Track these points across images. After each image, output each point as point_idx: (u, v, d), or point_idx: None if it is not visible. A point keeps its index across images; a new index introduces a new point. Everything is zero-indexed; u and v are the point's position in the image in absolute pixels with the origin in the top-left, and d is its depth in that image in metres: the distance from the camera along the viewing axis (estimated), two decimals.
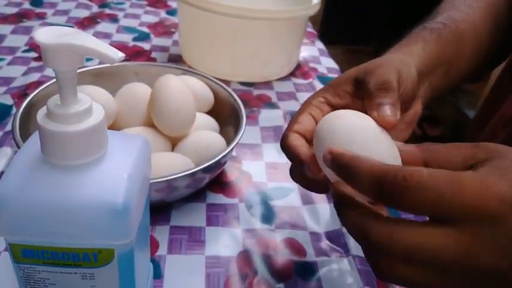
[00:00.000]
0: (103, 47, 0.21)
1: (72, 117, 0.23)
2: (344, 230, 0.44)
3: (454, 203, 0.23)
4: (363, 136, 0.29)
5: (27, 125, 0.45)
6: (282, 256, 0.41)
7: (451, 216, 0.24)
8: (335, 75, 0.74)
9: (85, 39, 0.21)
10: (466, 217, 0.23)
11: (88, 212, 0.24)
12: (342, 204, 0.28)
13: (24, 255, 0.26)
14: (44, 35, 0.21)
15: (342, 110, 0.32)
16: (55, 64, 0.22)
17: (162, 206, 0.44)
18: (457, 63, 0.45)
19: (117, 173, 0.25)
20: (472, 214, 0.23)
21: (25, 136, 0.43)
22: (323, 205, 0.47)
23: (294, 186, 0.50)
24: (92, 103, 0.24)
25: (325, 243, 0.43)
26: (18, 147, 0.41)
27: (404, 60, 0.37)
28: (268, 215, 0.46)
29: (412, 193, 0.24)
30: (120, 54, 0.21)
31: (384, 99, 0.32)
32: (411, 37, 0.43)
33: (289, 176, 0.50)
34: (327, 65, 0.78)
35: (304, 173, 0.33)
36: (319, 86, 0.70)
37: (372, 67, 0.35)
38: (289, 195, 0.48)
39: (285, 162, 0.52)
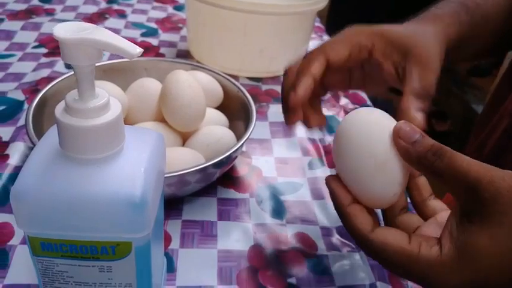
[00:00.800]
0: (121, 42, 0.21)
1: (90, 111, 0.23)
2: None
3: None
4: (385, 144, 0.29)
5: (40, 120, 0.46)
6: (294, 251, 0.41)
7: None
8: None
9: (103, 34, 0.21)
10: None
11: (106, 205, 0.24)
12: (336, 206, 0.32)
13: (43, 248, 0.26)
14: (62, 30, 0.22)
15: (367, 111, 0.31)
16: (73, 59, 0.22)
17: (174, 201, 0.45)
18: (476, 45, 0.46)
19: (134, 166, 0.25)
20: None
21: (38, 131, 0.43)
22: None
23: (303, 181, 0.50)
24: (110, 98, 0.24)
25: (336, 238, 0.43)
26: (32, 142, 0.42)
27: (441, 39, 0.38)
28: (278, 210, 0.46)
29: (376, 252, 0.29)
30: (139, 49, 0.22)
31: (417, 113, 0.34)
32: (449, 13, 0.42)
33: (298, 171, 0.51)
34: None
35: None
36: None
37: (414, 45, 0.36)
38: (299, 190, 0.49)
39: (294, 157, 0.53)
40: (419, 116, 0.34)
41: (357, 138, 0.29)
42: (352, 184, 0.30)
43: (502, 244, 0.25)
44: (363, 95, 0.68)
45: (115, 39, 0.21)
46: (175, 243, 0.41)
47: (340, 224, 0.44)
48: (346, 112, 0.62)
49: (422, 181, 0.34)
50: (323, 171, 0.51)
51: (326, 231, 0.44)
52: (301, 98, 0.36)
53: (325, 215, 0.46)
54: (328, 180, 0.32)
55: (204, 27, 0.67)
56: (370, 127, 0.29)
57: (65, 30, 0.21)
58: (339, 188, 0.31)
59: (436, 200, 0.33)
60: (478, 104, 2.08)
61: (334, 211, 0.45)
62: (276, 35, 0.66)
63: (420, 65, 0.35)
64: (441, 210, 0.33)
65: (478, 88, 2.14)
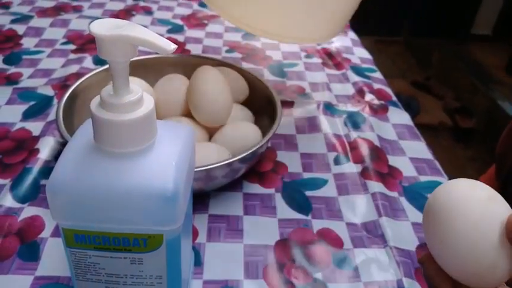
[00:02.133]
0: (156, 38, 0.22)
1: (125, 106, 0.23)
2: (381, 220, 0.44)
3: None
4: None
5: (70, 114, 0.47)
6: (319, 246, 0.41)
7: None
8: (369, 66, 0.74)
9: (139, 30, 0.22)
10: None
11: (139, 197, 0.24)
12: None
13: (77, 240, 0.27)
14: (98, 26, 0.22)
15: (469, 189, 0.28)
16: (110, 55, 0.22)
17: (201, 195, 0.45)
18: None
19: (166, 160, 0.25)
20: None
21: (68, 126, 0.44)
22: (359, 196, 0.47)
23: (329, 176, 0.50)
24: (143, 93, 0.25)
25: (362, 234, 0.43)
26: (62, 137, 0.43)
27: None
28: (304, 205, 0.46)
29: None
30: (173, 46, 0.22)
31: None
32: None
33: (323, 166, 0.51)
34: (360, 55, 0.77)
35: None
36: (352, 76, 0.69)
37: None
38: (324, 185, 0.48)
39: (320, 153, 0.53)
40: None
41: (461, 225, 0.26)
42: (452, 269, 0.28)
43: None
44: (388, 90, 0.67)
45: (150, 35, 0.22)
46: (202, 237, 0.41)
47: (366, 220, 0.44)
48: (372, 107, 0.62)
49: None
50: (349, 167, 0.51)
51: (352, 227, 0.44)
52: None
53: (351, 211, 0.45)
54: (424, 262, 0.29)
55: None
56: (477, 214, 0.26)
57: (101, 27, 0.22)
58: (438, 273, 0.28)
59: None
60: (504, 101, 2.04)
61: (360, 207, 0.46)
62: None
63: None
64: None
65: (504, 84, 2.09)
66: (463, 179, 0.28)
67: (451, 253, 0.27)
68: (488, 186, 0.28)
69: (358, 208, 0.46)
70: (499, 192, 0.27)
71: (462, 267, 0.27)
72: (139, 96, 0.24)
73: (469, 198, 0.27)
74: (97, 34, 0.22)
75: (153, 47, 0.22)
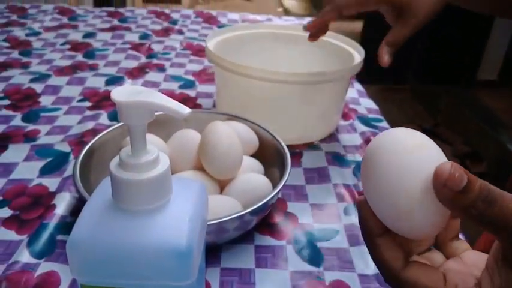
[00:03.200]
0: (172, 103, 0.23)
1: (142, 166, 0.25)
2: None
3: None
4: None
5: (86, 171, 0.48)
6: None
7: None
8: (375, 116, 0.75)
9: (156, 96, 0.24)
10: None
11: (154, 254, 0.25)
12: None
13: None
14: (119, 93, 0.24)
15: (404, 136, 0.28)
16: (129, 119, 0.24)
17: (213, 248, 0.45)
18: None
19: (180, 217, 0.27)
20: None
21: (84, 181, 0.45)
22: None
23: (340, 227, 0.50)
24: (159, 152, 0.26)
25: (374, 286, 0.43)
26: (79, 193, 0.44)
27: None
28: (316, 257, 0.46)
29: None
30: (187, 110, 0.24)
31: (386, 55, 0.54)
32: None
33: (334, 217, 0.51)
34: (367, 105, 0.79)
35: None
36: (359, 126, 0.70)
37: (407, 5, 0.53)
38: (335, 236, 0.49)
39: (329, 203, 0.53)
40: (386, 57, 0.54)
41: (384, 170, 0.27)
42: (378, 212, 0.28)
43: None
44: None
45: (166, 101, 0.23)
46: None
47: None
48: None
49: (452, 221, 0.31)
50: None
51: (364, 279, 0.43)
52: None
53: (363, 262, 0.45)
54: (360, 204, 0.29)
55: (231, 94, 0.66)
56: (399, 161, 0.26)
57: (121, 94, 0.24)
58: (370, 214, 0.28)
59: (460, 241, 0.31)
60: None
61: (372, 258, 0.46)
62: (306, 102, 0.63)
63: (401, 22, 0.53)
64: (463, 251, 0.31)
65: None
66: (402, 128, 0.29)
67: (376, 196, 0.28)
68: (423, 135, 0.28)
69: (369, 259, 0.46)
70: None
71: (384, 211, 0.27)
72: (156, 156, 0.26)
73: (397, 145, 0.27)
74: (118, 101, 0.23)
75: (170, 112, 0.23)
